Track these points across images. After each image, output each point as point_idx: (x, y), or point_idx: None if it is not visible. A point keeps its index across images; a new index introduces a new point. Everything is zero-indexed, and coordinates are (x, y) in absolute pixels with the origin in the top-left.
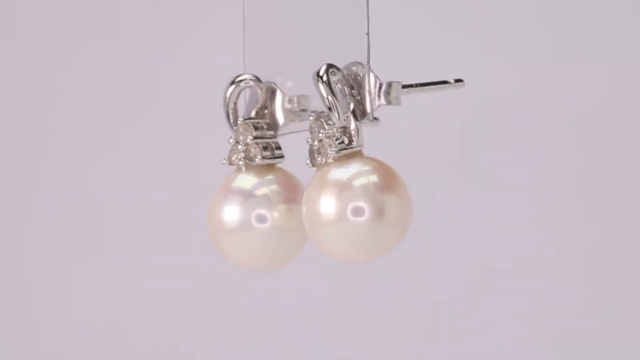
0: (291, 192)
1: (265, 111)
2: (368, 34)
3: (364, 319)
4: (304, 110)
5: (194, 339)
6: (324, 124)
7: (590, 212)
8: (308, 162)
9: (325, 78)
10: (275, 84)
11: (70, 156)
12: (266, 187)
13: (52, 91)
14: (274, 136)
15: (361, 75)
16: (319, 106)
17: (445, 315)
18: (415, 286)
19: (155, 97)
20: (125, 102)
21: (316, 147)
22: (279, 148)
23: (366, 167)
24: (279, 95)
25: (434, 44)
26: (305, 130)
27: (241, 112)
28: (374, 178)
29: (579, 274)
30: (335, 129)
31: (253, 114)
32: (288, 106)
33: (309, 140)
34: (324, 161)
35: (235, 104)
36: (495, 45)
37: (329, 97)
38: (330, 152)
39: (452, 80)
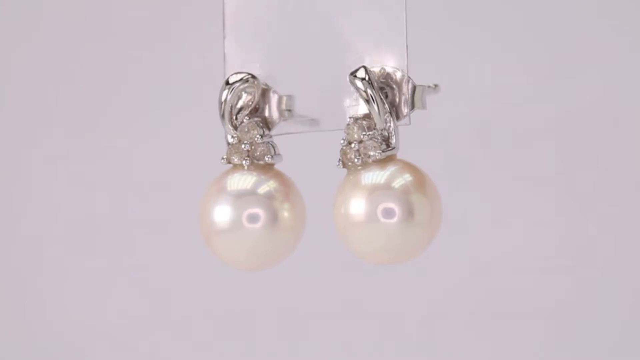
0: (290, 191)
1: (257, 111)
2: (407, 37)
3: (364, 321)
4: (289, 110)
5: (189, 341)
6: (364, 126)
7: (611, 212)
8: (339, 163)
9: (367, 78)
10: (267, 83)
11: (59, 155)
12: (269, 186)
13: (36, 89)
14: (270, 135)
15: (393, 77)
16: (309, 108)
17: (455, 318)
18: (430, 287)
19: (148, 95)
20: (117, 101)
21: (354, 149)
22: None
23: (402, 170)
24: (269, 95)
25: (444, 45)
26: (293, 133)
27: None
28: (409, 180)
29: (600, 275)
30: (375, 130)
31: (247, 112)
32: (274, 105)
33: (343, 141)
34: (360, 162)
35: (232, 105)
36: (510, 46)
37: (373, 98)
38: (376, 154)
39: (432, 85)
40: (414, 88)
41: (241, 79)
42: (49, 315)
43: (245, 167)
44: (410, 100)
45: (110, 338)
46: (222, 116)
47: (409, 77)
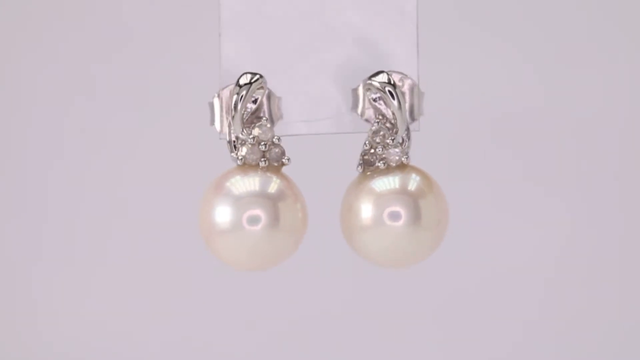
0: (298, 191)
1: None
2: (418, 44)
3: (364, 322)
4: (278, 112)
5: (188, 341)
6: (389, 131)
7: (598, 214)
8: (359, 167)
9: (391, 82)
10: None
11: (54, 156)
12: (279, 185)
13: (32, 88)
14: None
15: (401, 84)
16: (304, 110)
17: (446, 318)
18: (415, 288)
19: (145, 95)
20: (115, 102)
21: (379, 153)
22: None
23: (415, 175)
24: (267, 96)
25: (448, 51)
26: (290, 135)
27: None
28: (421, 184)
29: (583, 276)
30: (396, 135)
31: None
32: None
33: (366, 145)
34: (384, 167)
35: (245, 107)
36: (519, 47)
37: (401, 103)
38: (404, 158)
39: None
40: (419, 94)
41: (250, 81)
42: (41, 320)
43: (260, 167)
44: (419, 106)
45: (108, 340)
46: (233, 117)
47: (416, 83)
